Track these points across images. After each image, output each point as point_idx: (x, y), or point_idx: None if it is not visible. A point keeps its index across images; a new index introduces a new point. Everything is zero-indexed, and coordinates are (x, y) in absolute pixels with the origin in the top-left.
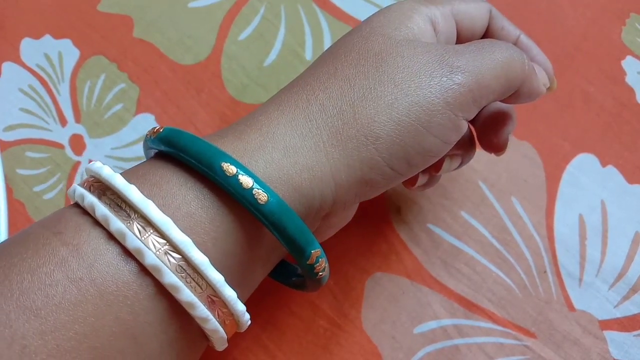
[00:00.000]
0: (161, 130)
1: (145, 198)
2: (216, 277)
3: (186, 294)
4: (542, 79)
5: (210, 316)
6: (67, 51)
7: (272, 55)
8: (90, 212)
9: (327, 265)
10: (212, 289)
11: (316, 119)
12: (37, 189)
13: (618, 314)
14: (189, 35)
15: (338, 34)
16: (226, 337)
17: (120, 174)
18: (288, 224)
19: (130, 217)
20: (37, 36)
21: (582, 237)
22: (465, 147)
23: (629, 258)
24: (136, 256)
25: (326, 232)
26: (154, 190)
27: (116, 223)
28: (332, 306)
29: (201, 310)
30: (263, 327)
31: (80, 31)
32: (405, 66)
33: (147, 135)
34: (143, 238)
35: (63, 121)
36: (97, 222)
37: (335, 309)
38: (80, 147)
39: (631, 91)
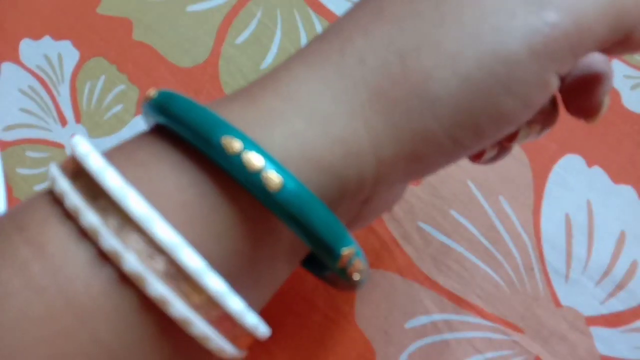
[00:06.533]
0: (155, 94)
1: (125, 185)
2: (216, 287)
3: (178, 309)
4: None
5: (212, 334)
6: (67, 52)
7: (269, 59)
8: (61, 201)
9: (365, 265)
10: (212, 300)
11: (353, 75)
12: (37, 187)
13: (604, 310)
14: (187, 38)
15: None
16: (238, 352)
17: (106, 151)
18: (310, 216)
19: (106, 209)
20: (36, 37)
21: (569, 235)
22: (545, 110)
23: (615, 256)
24: (113, 260)
25: (367, 219)
26: (140, 172)
27: (87, 217)
28: (327, 302)
29: (199, 328)
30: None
31: (79, 33)
32: (475, 2)
33: (143, 101)
34: (121, 236)
35: (63, 121)
36: (68, 214)
37: (329, 305)
38: None
39: (617, 94)
